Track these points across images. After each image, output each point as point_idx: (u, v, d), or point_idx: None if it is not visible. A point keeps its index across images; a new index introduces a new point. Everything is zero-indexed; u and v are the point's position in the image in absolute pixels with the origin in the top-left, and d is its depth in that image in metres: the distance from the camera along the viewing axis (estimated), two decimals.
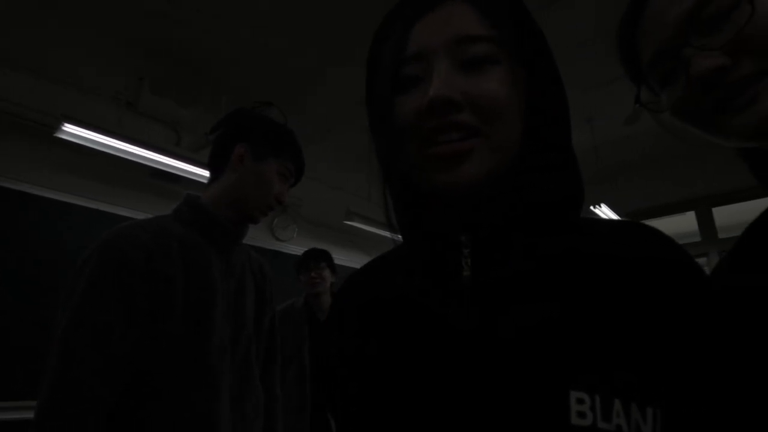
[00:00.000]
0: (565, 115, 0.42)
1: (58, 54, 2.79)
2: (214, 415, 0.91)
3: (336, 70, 3.14)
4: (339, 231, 4.15)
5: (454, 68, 0.38)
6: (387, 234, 0.46)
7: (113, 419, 0.85)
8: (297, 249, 3.68)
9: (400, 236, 0.45)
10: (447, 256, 0.40)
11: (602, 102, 3.60)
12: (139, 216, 0.96)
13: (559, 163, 0.40)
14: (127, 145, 2.52)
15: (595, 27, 2.82)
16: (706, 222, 4.45)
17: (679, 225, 4.78)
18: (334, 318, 0.50)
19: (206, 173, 0.97)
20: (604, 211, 3.92)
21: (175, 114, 3.19)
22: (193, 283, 0.94)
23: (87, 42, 2.84)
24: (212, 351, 0.93)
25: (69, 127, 2.27)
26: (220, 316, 0.96)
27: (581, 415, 0.31)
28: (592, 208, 3.85)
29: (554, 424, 0.32)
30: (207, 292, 0.95)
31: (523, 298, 0.37)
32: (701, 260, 4.52)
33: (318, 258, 2.52)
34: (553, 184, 0.39)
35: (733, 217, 4.41)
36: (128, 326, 0.85)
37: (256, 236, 3.28)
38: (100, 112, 2.81)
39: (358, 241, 4.31)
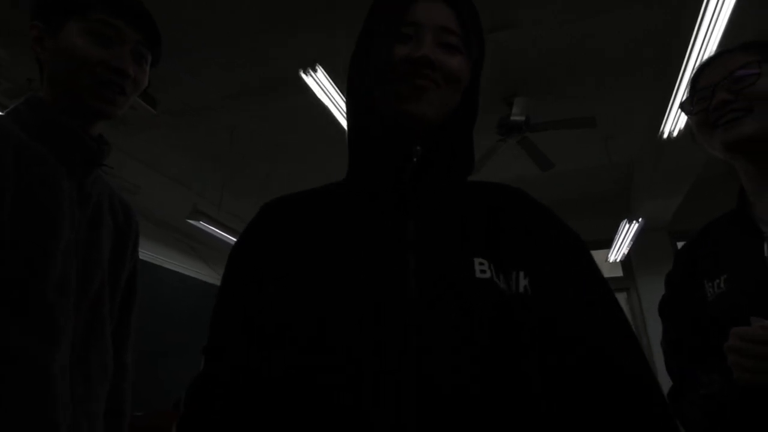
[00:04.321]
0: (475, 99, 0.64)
1: None
2: (48, 368, 0.69)
3: (215, 55, 2.91)
4: (178, 233, 3.70)
5: (435, 44, 0.56)
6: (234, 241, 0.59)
7: None
8: None
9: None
10: (399, 162, 0.56)
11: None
12: None
13: (466, 140, 0.62)
14: None
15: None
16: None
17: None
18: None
19: None
20: None
21: None
22: (27, 202, 0.72)
23: None
24: (49, 288, 0.71)
25: None
26: (64, 249, 0.75)
27: (483, 272, 0.49)
28: None
29: (466, 276, 0.48)
30: (45, 217, 0.74)
31: (449, 202, 0.57)
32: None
33: None
34: (465, 149, 0.61)
35: None
36: None
37: None
38: None
39: (200, 249, 3.90)
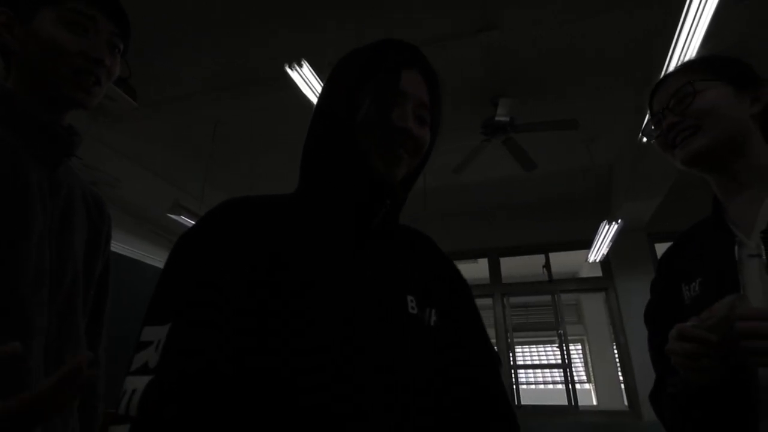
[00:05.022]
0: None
1: None
2: (20, 362, 0.67)
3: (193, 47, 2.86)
4: (158, 227, 3.63)
5: (414, 116, 0.64)
6: None
7: None
8: None
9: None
10: (375, 208, 0.63)
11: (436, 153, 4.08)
12: None
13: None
14: None
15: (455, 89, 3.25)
16: (494, 269, 5.30)
17: (475, 271, 5.61)
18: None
19: None
20: None
21: None
22: None
23: None
24: (23, 281, 0.69)
25: None
26: (38, 240, 0.73)
27: (413, 308, 0.58)
28: None
29: (402, 310, 0.57)
30: (15, 210, 0.72)
31: (392, 247, 0.66)
32: (488, 300, 5.30)
33: None
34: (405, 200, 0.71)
35: (516, 267, 5.40)
36: None
37: None
38: None
39: None
